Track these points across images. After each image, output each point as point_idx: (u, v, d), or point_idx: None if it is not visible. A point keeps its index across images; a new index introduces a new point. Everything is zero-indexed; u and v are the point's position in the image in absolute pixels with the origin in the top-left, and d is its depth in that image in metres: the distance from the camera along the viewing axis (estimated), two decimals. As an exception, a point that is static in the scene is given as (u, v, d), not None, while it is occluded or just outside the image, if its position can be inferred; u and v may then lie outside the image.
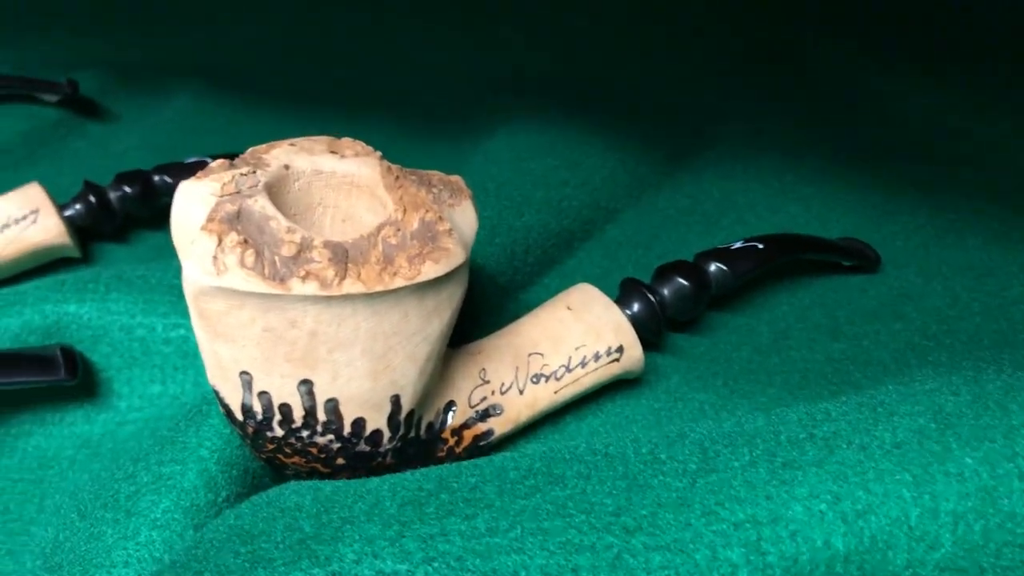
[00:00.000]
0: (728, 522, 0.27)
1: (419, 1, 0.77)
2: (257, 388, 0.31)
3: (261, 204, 0.30)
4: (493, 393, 0.36)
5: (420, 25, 0.75)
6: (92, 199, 0.50)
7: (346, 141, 0.35)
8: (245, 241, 0.29)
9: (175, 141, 0.61)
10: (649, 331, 0.40)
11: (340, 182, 0.34)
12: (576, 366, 0.37)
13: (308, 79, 0.68)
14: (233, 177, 0.31)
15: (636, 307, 0.40)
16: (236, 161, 0.33)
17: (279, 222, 0.29)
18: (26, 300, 0.41)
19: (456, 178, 0.34)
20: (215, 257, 0.28)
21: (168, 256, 0.50)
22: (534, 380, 0.37)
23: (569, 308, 0.38)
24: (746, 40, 0.68)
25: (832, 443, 0.29)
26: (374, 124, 0.61)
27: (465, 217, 0.33)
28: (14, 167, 0.59)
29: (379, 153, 0.34)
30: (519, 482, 0.29)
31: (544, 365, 0.37)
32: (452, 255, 0.30)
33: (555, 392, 0.37)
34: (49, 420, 0.40)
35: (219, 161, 0.32)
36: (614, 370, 0.38)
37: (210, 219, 0.29)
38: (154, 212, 0.52)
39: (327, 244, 0.29)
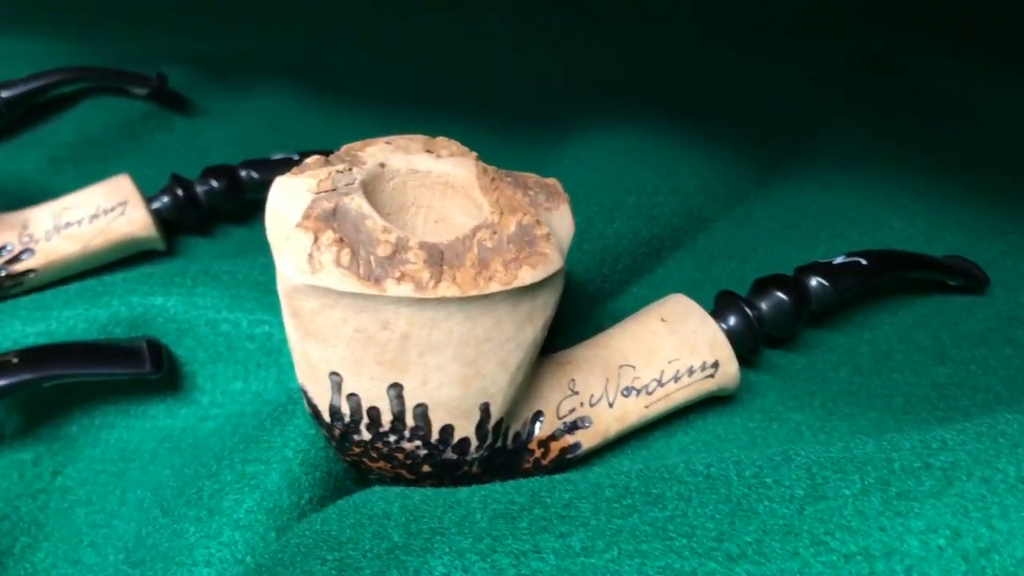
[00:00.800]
0: (838, 553, 0.26)
1: (508, 3, 0.76)
2: (346, 390, 0.30)
3: (357, 202, 0.29)
4: (582, 405, 0.35)
5: (508, 26, 0.74)
6: (179, 192, 0.50)
7: (441, 140, 0.34)
8: (341, 240, 0.28)
9: (261, 137, 0.61)
10: (745, 347, 0.38)
11: (435, 182, 0.33)
12: (669, 380, 0.36)
13: (394, 79, 0.68)
14: (329, 174, 0.30)
15: (732, 321, 0.38)
16: (331, 158, 0.32)
17: (375, 221, 0.29)
18: (114, 292, 0.41)
19: (553, 181, 0.33)
20: (310, 255, 0.28)
21: (253, 252, 0.50)
22: (624, 393, 0.35)
23: (663, 320, 0.37)
24: (848, 46, 0.65)
25: (951, 474, 0.27)
26: (459, 125, 0.60)
27: (562, 222, 0.32)
28: (103, 159, 0.59)
29: (475, 154, 0.33)
30: (616, 501, 0.27)
31: (635, 378, 0.36)
32: (549, 261, 0.29)
33: (646, 407, 0.36)
34: (132, 412, 0.40)
35: (314, 157, 0.32)
36: (708, 386, 0.37)
37: (306, 216, 0.28)
38: (239, 207, 0.52)
39: (422, 245, 0.29)
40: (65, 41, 0.72)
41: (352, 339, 0.29)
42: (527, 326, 0.30)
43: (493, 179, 0.32)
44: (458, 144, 0.34)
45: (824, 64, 0.63)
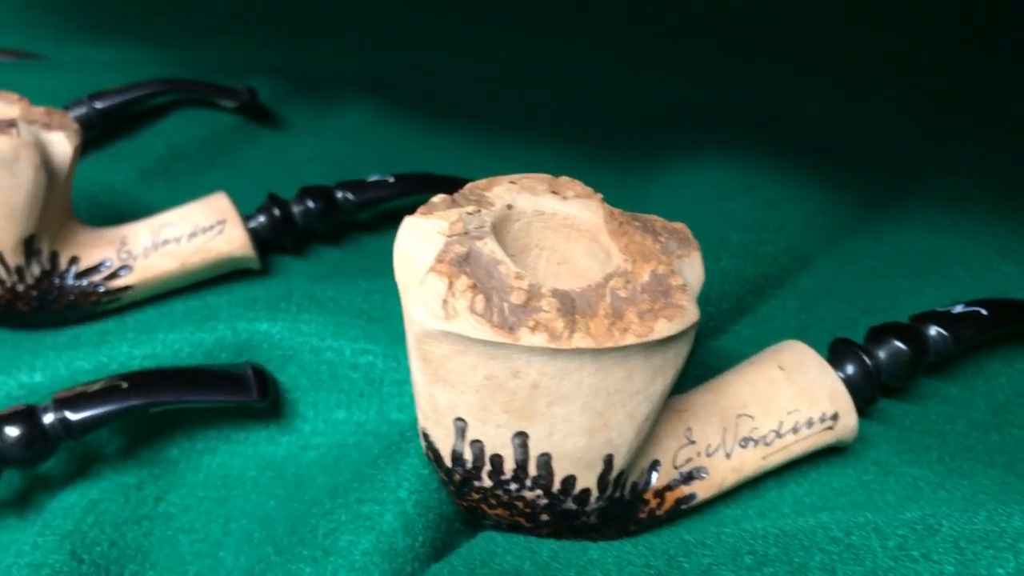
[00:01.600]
0: (994, 638, 0.24)
1: (603, 27, 0.75)
2: (470, 436, 0.29)
3: (490, 247, 0.29)
4: (699, 455, 0.34)
5: (600, 50, 0.73)
6: (276, 212, 0.50)
7: (565, 180, 0.33)
8: (475, 285, 0.27)
9: (348, 153, 0.61)
10: (863, 398, 0.37)
11: (560, 224, 0.32)
12: (787, 432, 0.35)
13: (482, 99, 0.67)
14: (460, 216, 0.30)
15: (850, 370, 0.37)
16: (457, 197, 0.32)
17: (508, 267, 0.28)
18: (219, 316, 0.40)
19: (680, 226, 0.33)
20: (445, 301, 0.27)
21: (348, 274, 0.50)
22: (742, 444, 0.35)
23: (781, 368, 0.36)
24: (960, 84, 0.64)
25: (1110, 556, 0.26)
26: (549, 149, 0.60)
27: (693, 270, 0.31)
28: (193, 171, 0.59)
29: (600, 195, 0.33)
30: (756, 569, 0.27)
31: (753, 428, 0.35)
32: (686, 313, 0.29)
33: (763, 458, 0.35)
34: (234, 438, 0.40)
35: (440, 196, 0.31)
36: (826, 438, 0.35)
37: (439, 260, 0.28)
38: (332, 228, 0.52)
39: (555, 293, 0.28)
40: (155, 50, 0.72)
41: (481, 386, 0.28)
42: (658, 378, 0.30)
43: (621, 223, 0.31)
44: (582, 184, 0.33)
45: (934, 102, 0.61)
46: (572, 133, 0.61)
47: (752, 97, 0.63)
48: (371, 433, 0.39)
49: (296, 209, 0.50)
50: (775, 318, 0.45)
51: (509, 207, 0.31)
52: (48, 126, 0.44)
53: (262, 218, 0.50)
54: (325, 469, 0.38)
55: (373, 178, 0.52)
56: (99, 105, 0.60)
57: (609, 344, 0.27)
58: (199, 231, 0.48)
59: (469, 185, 0.32)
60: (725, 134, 0.55)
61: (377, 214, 0.55)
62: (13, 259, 0.43)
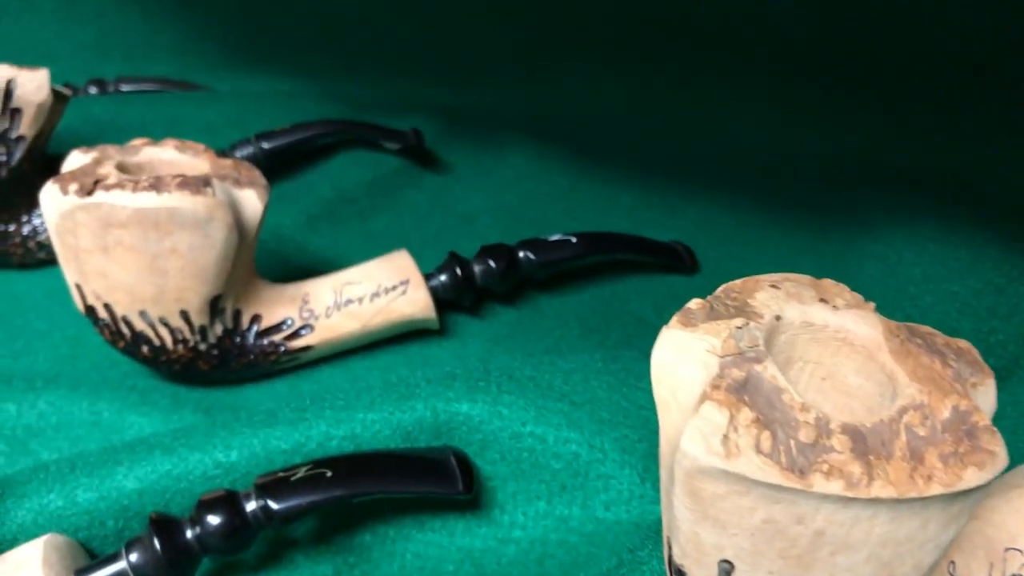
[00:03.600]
0: None
1: (788, 76, 0.71)
2: (736, 580, 0.27)
3: (771, 372, 0.26)
4: (964, 593, 0.31)
5: (789, 105, 0.69)
6: (457, 271, 0.48)
7: (829, 285, 0.30)
8: (758, 420, 0.24)
9: (515, 203, 0.59)
10: None
11: (829, 337, 0.29)
12: (1061, 569, 0.31)
13: (654, 149, 0.64)
14: (730, 332, 0.27)
15: (1122, 498, 0.33)
16: (715, 304, 0.29)
17: (792, 396, 0.25)
18: (418, 395, 0.38)
19: (966, 345, 0.29)
20: (725, 436, 0.24)
21: (527, 338, 0.48)
22: (1011, 582, 0.31)
23: (1052, 495, 0.32)
24: None
25: None
26: (727, 205, 0.56)
27: (987, 400, 0.28)
28: (358, 216, 0.58)
29: (872, 304, 0.29)
30: None
31: (1023, 565, 0.31)
32: (997, 460, 0.25)
33: (1032, 598, 0.31)
34: (428, 526, 0.38)
35: (696, 302, 0.29)
36: (1100, 576, 0.32)
37: (715, 386, 0.25)
38: (510, 287, 0.50)
39: (845, 429, 0.25)
40: (311, 82, 0.71)
41: (757, 530, 0.25)
42: (952, 526, 0.26)
43: (903, 341, 0.28)
44: (848, 290, 0.30)
45: None
46: (754, 188, 0.57)
47: (967, 161, 0.58)
48: (575, 531, 0.37)
49: (477, 269, 0.48)
50: (1007, 415, 0.41)
51: (777, 318, 0.28)
52: (238, 182, 0.43)
53: (443, 277, 0.48)
54: (528, 569, 0.36)
55: (554, 237, 0.49)
56: (266, 145, 0.59)
57: (912, 494, 0.24)
58: (382, 291, 0.46)
59: (724, 288, 0.30)
60: (937, 201, 0.51)
61: (552, 273, 0.52)
62: (198, 319, 0.42)
